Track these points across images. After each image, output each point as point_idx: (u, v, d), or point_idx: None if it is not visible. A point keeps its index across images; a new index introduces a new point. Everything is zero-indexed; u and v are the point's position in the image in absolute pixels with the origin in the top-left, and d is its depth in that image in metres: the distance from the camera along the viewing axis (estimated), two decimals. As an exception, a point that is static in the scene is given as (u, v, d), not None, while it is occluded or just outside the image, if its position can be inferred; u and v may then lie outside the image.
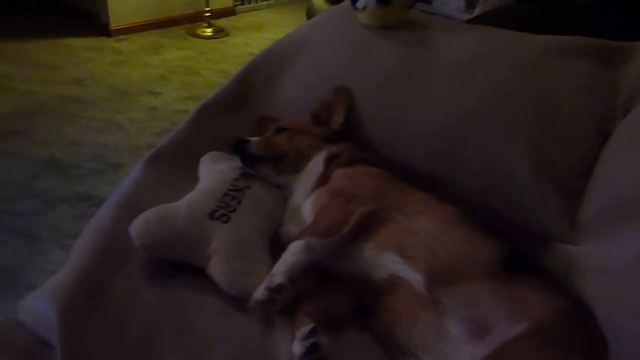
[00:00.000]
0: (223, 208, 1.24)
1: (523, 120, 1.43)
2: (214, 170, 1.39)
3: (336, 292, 1.23)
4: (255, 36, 4.90)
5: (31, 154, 2.97)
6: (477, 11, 2.68)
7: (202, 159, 1.49)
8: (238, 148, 1.45)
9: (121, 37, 4.53)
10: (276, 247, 1.32)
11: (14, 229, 2.43)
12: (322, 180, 1.41)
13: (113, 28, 4.50)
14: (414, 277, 1.14)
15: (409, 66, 1.58)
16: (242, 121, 1.71)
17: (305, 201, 1.38)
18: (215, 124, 1.67)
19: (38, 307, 1.05)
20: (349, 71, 1.64)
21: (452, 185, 1.47)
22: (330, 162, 1.45)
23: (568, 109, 1.44)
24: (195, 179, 1.47)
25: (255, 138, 1.50)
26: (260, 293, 1.11)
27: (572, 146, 1.41)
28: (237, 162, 1.46)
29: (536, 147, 1.41)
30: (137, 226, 1.15)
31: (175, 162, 1.51)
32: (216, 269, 1.15)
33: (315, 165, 1.45)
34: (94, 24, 4.57)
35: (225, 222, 1.22)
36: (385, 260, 1.19)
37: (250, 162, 1.44)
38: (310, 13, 3.78)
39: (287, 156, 1.48)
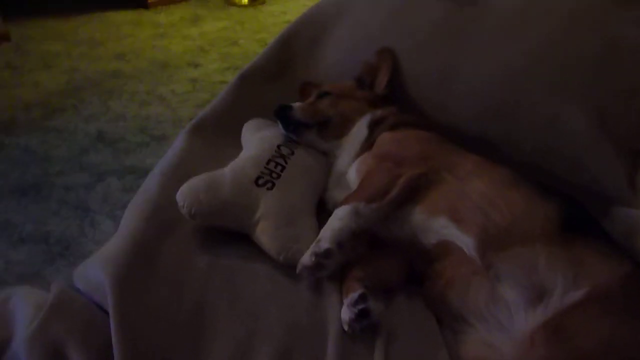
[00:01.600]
0: (268, 175, 1.23)
1: (581, 74, 1.35)
2: (257, 138, 1.37)
3: (386, 257, 1.21)
4: (292, 3, 4.82)
5: (79, 129, 3.03)
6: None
7: (245, 126, 1.48)
8: (281, 114, 1.43)
9: (159, 9, 4.54)
10: (322, 213, 1.31)
11: (66, 201, 2.50)
12: (367, 145, 1.38)
13: (151, 0, 4.50)
14: (466, 241, 1.10)
15: (454, 21, 1.50)
16: (283, 88, 1.68)
17: (350, 166, 1.35)
18: (256, 92, 1.64)
19: (92, 274, 1.07)
20: (391, 31, 1.58)
21: (505, 146, 1.41)
22: (374, 126, 1.41)
23: (631, 61, 1.34)
24: (238, 147, 1.46)
25: (298, 104, 1.47)
26: (307, 258, 1.09)
27: (635, 102, 1.32)
28: (280, 129, 1.44)
29: (596, 102, 1.33)
30: (184, 194, 1.15)
31: (217, 130, 1.51)
32: (263, 236, 1.14)
33: (359, 129, 1.42)
34: (133, -4, 4.58)
35: (270, 188, 1.20)
36: (435, 225, 1.15)
37: (293, 128, 1.42)
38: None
39: (330, 121, 1.45)
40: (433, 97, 1.49)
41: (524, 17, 1.42)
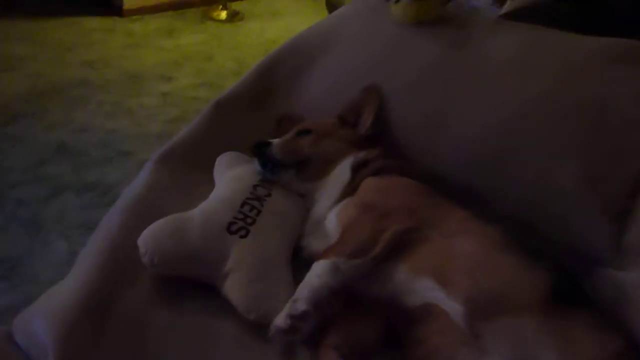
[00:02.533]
0: (242, 220, 1.13)
1: (573, 131, 1.31)
2: (232, 177, 1.28)
3: (364, 319, 1.12)
4: (271, 23, 4.74)
5: (38, 138, 2.87)
6: (508, 6, 2.53)
7: (218, 161, 1.38)
8: (258, 151, 1.33)
9: (135, 17, 4.39)
10: (297, 260, 1.22)
11: (16, 216, 2.34)
12: (349, 189, 1.29)
13: (126, 8, 4.36)
14: (453, 307, 1.03)
15: (446, 66, 1.45)
16: (261, 119, 1.59)
17: (330, 212, 1.27)
18: (232, 122, 1.55)
19: (35, 329, 0.94)
20: (380, 69, 1.52)
21: (491, 198, 1.35)
22: (357, 169, 1.33)
23: (621, 121, 1.31)
24: (210, 182, 1.36)
25: (277, 140, 1.37)
26: (282, 321, 1.00)
27: (624, 162, 1.29)
28: (256, 166, 1.34)
29: (586, 160, 1.29)
30: (146, 240, 1.04)
31: (188, 162, 1.40)
32: (233, 290, 1.04)
33: (341, 172, 1.33)
34: (107, 2, 4.43)
35: (244, 236, 1.10)
36: (420, 286, 1.08)
37: (270, 167, 1.32)
38: (330, 2, 3.64)
39: (310, 161, 1.36)
40: (420, 142, 1.42)
41: (518, 69, 1.39)
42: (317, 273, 1.05)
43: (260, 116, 1.60)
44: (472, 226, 1.15)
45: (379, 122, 1.44)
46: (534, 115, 1.34)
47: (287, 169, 1.33)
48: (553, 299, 1.02)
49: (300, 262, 1.21)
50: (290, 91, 1.63)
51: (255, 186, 1.24)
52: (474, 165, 1.36)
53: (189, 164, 1.40)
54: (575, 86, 1.36)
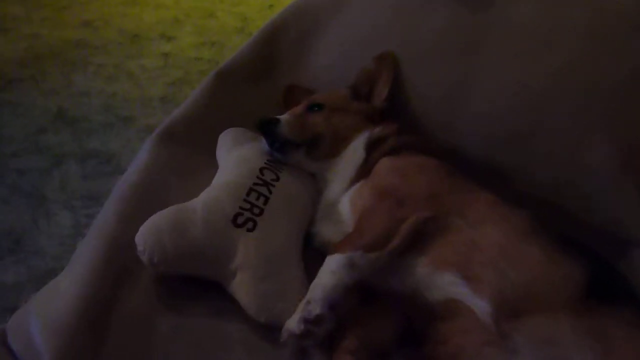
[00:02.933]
0: (248, 210, 1.04)
1: (607, 101, 1.21)
2: (236, 158, 1.18)
3: (381, 315, 1.05)
4: (275, -27, 4.52)
5: (37, 104, 2.76)
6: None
7: (221, 138, 1.28)
8: (265, 129, 1.23)
9: (132, -29, 4.19)
10: (307, 249, 1.13)
11: (18, 188, 2.25)
12: (363, 170, 1.20)
13: (123, -39, 4.15)
14: (479, 304, 0.95)
15: (466, 30, 1.31)
16: (266, 91, 1.48)
17: (343, 196, 1.18)
18: (235, 94, 1.44)
19: (32, 335, 0.88)
20: (394, 35, 1.39)
21: (515, 176, 1.26)
22: (372, 147, 1.23)
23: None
24: (213, 160, 1.27)
25: (286, 116, 1.26)
26: (294, 325, 0.92)
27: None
28: (263, 144, 1.24)
29: (618, 135, 1.20)
30: (145, 236, 0.95)
31: (189, 140, 1.30)
32: (242, 290, 0.96)
33: (355, 150, 1.24)
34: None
35: (251, 229, 1.02)
36: (442, 281, 0.99)
37: (279, 146, 1.22)
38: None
39: (322, 139, 1.25)
40: (438, 115, 1.31)
41: (545, 35, 1.25)
42: (332, 269, 0.97)
43: (265, 87, 1.49)
44: (500, 212, 1.06)
45: (394, 94, 1.33)
46: (564, 84, 1.23)
47: (298, 148, 1.23)
48: (589, 294, 0.93)
49: (311, 251, 1.13)
50: (296, 59, 1.51)
51: (262, 169, 1.15)
52: (497, 141, 1.26)
53: (190, 143, 1.30)
54: (606, 53, 1.23)
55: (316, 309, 0.92)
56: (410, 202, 1.06)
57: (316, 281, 0.97)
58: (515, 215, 1.05)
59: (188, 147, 1.28)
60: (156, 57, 3.24)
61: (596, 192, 1.21)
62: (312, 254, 1.11)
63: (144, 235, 0.95)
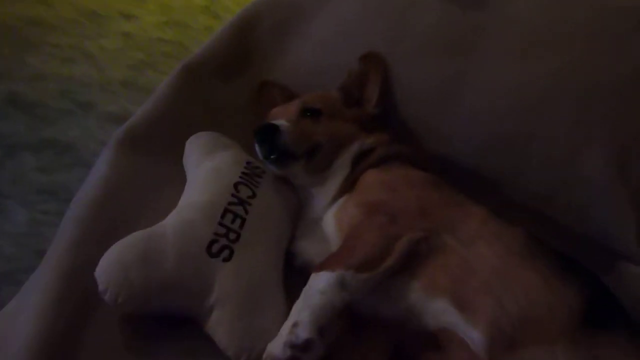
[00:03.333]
0: (224, 236, 0.93)
1: (607, 104, 1.15)
2: (208, 171, 1.05)
3: (369, 345, 0.96)
4: (244, -54, 4.31)
5: (-14, 88, 2.55)
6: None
7: (189, 145, 1.15)
8: (264, 138, 1.09)
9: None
10: (287, 268, 1.03)
11: (-33, 182, 2.09)
12: (347, 183, 1.11)
13: None
14: (473, 335, 0.88)
15: (462, 27, 1.23)
16: (239, 87, 1.36)
17: (326, 212, 1.08)
18: (204, 91, 1.32)
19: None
20: (381, 31, 1.29)
21: (509, 186, 1.20)
22: (358, 159, 1.13)
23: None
24: (181, 170, 1.14)
25: (285, 123, 1.12)
26: (279, 350, 0.82)
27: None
28: (258, 154, 1.12)
29: (617, 144, 1.15)
30: (108, 272, 0.83)
31: (153, 147, 1.17)
32: (219, 329, 0.86)
33: (343, 163, 1.14)
34: None
35: (228, 259, 0.91)
36: (435, 308, 0.92)
37: (277, 157, 1.10)
38: None
39: (321, 149, 1.14)
40: (427, 119, 1.23)
41: (541, 33, 1.18)
42: (320, 289, 0.87)
43: (238, 83, 1.36)
44: (493, 229, 0.98)
45: (386, 96, 1.23)
46: (562, 89, 1.16)
47: (297, 159, 1.11)
48: (585, 321, 0.88)
49: (292, 271, 1.03)
50: (273, 52, 1.39)
51: (237, 185, 1.03)
52: (489, 146, 1.19)
53: (154, 150, 1.17)
54: (605, 55, 1.17)
55: (304, 333, 0.82)
56: (402, 219, 0.97)
57: (301, 300, 0.87)
58: (509, 233, 0.98)
59: (152, 155, 1.15)
60: (116, 37, 3.04)
61: (586, 203, 1.16)
62: (293, 274, 1.01)
63: (106, 271, 0.83)
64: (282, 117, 1.17)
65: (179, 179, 1.12)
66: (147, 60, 2.89)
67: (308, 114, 1.17)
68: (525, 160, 1.17)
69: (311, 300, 0.86)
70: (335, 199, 1.09)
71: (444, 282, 0.92)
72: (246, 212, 0.99)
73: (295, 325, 0.84)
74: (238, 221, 0.96)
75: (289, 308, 0.90)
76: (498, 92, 1.17)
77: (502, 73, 1.17)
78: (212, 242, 0.91)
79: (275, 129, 1.09)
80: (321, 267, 0.91)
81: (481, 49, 1.19)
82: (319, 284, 0.88)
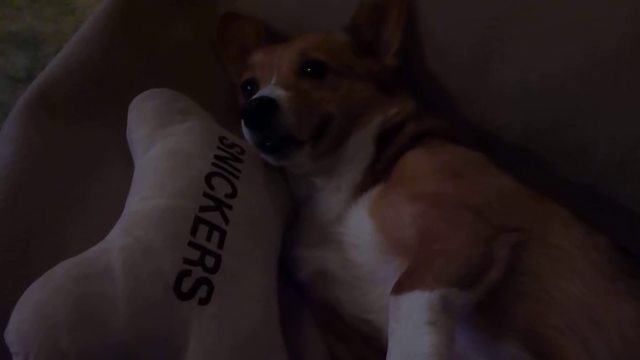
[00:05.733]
0: (198, 264, 0.63)
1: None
2: (166, 155, 0.74)
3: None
4: None
5: None
6: None
7: (133, 113, 0.82)
8: (258, 121, 0.78)
9: None
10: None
11: None
12: (374, 170, 0.84)
13: None
14: None
15: None
16: (194, 21, 1.00)
17: (349, 209, 0.82)
18: (148, 29, 0.97)
19: None
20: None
21: (555, 165, 0.97)
22: (384, 136, 0.86)
23: None
24: (121, 143, 0.82)
25: (281, 92, 0.80)
26: None
27: None
28: (249, 140, 0.82)
29: None
30: (25, 334, 0.53)
31: (79, 114, 0.83)
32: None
33: (361, 144, 0.87)
34: None
35: (205, 300, 0.62)
36: (502, 354, 0.69)
37: (276, 145, 0.80)
38: None
39: (331, 124, 0.85)
40: (463, 83, 0.96)
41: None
42: (426, 318, 0.59)
43: (193, 15, 1.01)
44: (578, 240, 0.75)
45: (406, 42, 0.93)
46: (628, 55, 0.90)
47: (302, 145, 0.82)
48: None
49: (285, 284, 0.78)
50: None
51: (209, 177, 0.72)
52: (537, 123, 0.95)
53: (82, 117, 0.83)
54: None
55: None
56: (487, 214, 0.72)
57: (403, 347, 0.59)
58: (595, 246, 0.75)
59: (78, 125, 0.82)
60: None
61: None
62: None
63: (23, 333, 0.53)
64: (268, 74, 0.86)
65: (119, 154, 0.82)
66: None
67: (308, 70, 0.85)
68: (578, 137, 0.94)
69: (422, 340, 0.58)
70: (358, 190, 0.83)
71: (519, 317, 0.69)
72: (226, 220, 0.69)
73: None
74: (216, 236, 0.66)
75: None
76: (550, 53, 0.91)
77: (556, 28, 0.91)
78: (181, 276, 0.61)
79: (272, 106, 0.76)
80: (410, 285, 0.63)
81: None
82: (419, 311, 0.60)
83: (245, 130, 0.80)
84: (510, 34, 0.89)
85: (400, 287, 0.64)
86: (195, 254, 0.63)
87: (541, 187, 0.82)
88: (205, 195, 0.69)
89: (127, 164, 0.80)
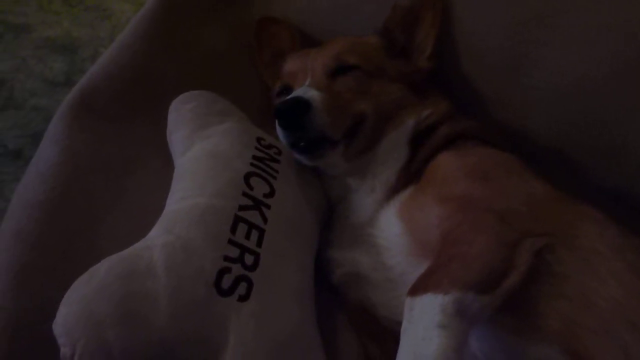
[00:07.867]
0: (238, 261, 0.65)
1: None
2: (205, 156, 0.76)
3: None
4: None
5: None
6: None
7: (173, 115, 0.84)
8: (293, 121, 0.79)
9: None
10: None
11: None
12: (408, 172, 0.84)
13: None
14: None
15: None
16: (230, 26, 1.02)
17: (381, 210, 0.82)
18: (186, 33, 0.99)
19: None
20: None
21: (591, 168, 0.95)
22: (418, 138, 0.86)
23: None
24: (162, 144, 0.84)
25: (315, 93, 0.81)
26: None
27: None
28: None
29: None
30: (73, 329, 0.55)
31: (120, 115, 0.86)
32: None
33: (395, 145, 0.87)
34: None
35: (245, 296, 0.63)
36: (537, 355, 0.68)
37: (310, 145, 0.81)
38: None
39: (365, 124, 0.86)
40: (496, 87, 0.95)
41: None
42: (437, 322, 0.60)
43: (229, 20, 1.03)
44: (612, 241, 0.73)
45: (441, 46, 0.94)
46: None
47: (336, 145, 0.83)
48: None
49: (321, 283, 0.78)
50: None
51: (248, 176, 0.73)
52: (570, 126, 0.93)
53: (123, 118, 0.85)
54: None
55: None
56: (512, 218, 0.71)
57: (411, 348, 0.60)
58: (631, 247, 0.73)
59: (118, 126, 0.84)
60: None
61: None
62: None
63: (70, 327, 0.55)
64: (302, 78, 0.87)
65: (156, 154, 0.84)
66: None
67: (341, 72, 0.87)
68: (621, 142, 0.92)
69: (431, 346, 0.59)
70: (392, 192, 0.83)
71: (554, 320, 0.68)
72: (264, 219, 0.70)
73: None
74: (255, 235, 0.68)
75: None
76: (587, 55, 0.89)
77: (593, 28, 0.89)
78: (221, 273, 0.63)
79: (306, 106, 0.78)
80: (425, 287, 0.63)
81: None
82: (430, 314, 0.61)
83: (279, 131, 0.81)
84: (543, 37, 0.88)
85: (415, 289, 0.64)
86: (235, 252, 0.65)
87: (575, 191, 0.81)
88: (245, 194, 0.71)
89: (164, 164, 0.82)
